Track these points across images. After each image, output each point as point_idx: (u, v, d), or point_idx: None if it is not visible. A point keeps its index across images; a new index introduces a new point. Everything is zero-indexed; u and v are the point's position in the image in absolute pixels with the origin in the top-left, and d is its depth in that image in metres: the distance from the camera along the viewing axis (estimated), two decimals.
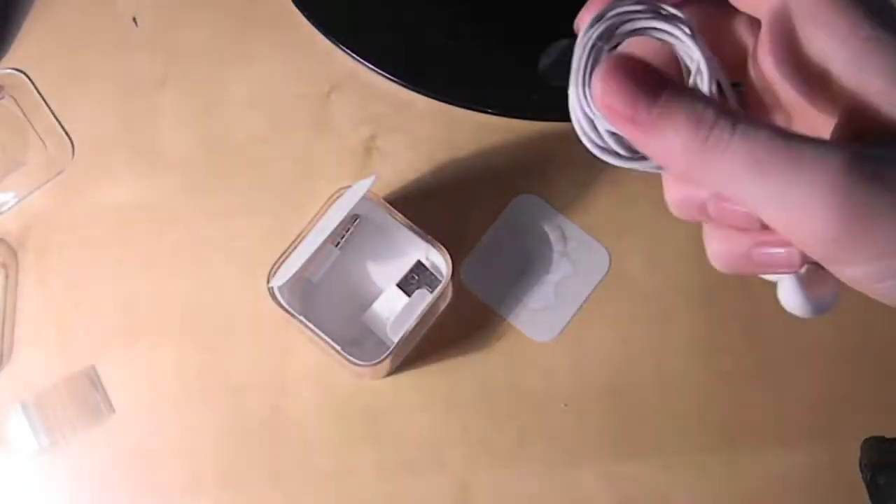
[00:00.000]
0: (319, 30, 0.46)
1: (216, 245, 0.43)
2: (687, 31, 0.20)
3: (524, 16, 0.46)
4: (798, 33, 0.20)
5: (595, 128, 0.21)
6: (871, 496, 0.38)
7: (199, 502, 0.40)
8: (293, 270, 0.37)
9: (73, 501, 0.40)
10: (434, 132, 0.45)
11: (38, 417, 0.41)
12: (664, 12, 0.20)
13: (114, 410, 0.41)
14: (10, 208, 0.44)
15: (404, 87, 0.45)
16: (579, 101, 0.21)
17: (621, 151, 0.21)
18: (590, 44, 0.20)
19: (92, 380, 0.41)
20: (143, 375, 0.41)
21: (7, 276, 0.42)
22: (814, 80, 0.21)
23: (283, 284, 0.38)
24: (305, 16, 0.46)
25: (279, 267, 0.38)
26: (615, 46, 0.20)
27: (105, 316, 0.42)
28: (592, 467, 0.40)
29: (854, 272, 0.19)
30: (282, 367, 0.41)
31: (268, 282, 0.38)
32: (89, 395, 0.41)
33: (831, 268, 0.19)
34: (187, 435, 0.41)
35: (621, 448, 0.41)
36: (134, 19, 0.47)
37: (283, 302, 0.38)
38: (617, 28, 0.20)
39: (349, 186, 0.39)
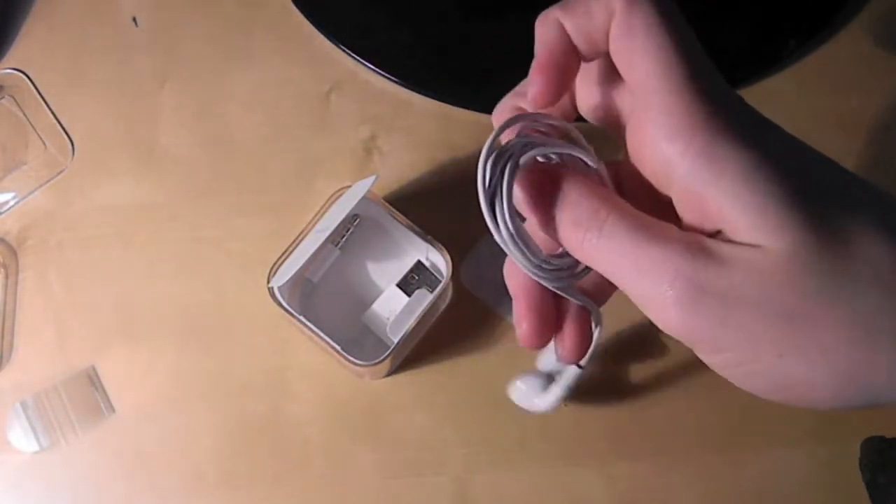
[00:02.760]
0: (319, 30, 0.46)
1: (216, 245, 0.43)
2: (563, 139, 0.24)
3: (524, 15, 0.46)
4: (645, 130, 0.22)
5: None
6: (871, 496, 0.38)
7: (199, 502, 0.40)
8: (293, 270, 0.37)
9: (73, 501, 0.40)
10: (434, 132, 0.45)
11: (38, 417, 0.41)
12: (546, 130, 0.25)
13: (114, 410, 0.41)
14: (10, 208, 0.44)
15: (404, 87, 0.45)
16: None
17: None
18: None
19: (92, 380, 0.41)
20: (143, 375, 0.41)
21: (7, 276, 0.42)
22: (661, 177, 0.22)
23: (284, 284, 0.38)
24: (305, 16, 0.46)
25: (279, 267, 0.38)
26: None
27: (105, 316, 0.42)
28: (592, 467, 0.40)
29: (710, 360, 0.22)
30: (282, 368, 0.41)
31: (268, 282, 0.38)
32: (89, 395, 0.41)
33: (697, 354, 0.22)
34: (187, 435, 0.41)
35: (621, 448, 0.41)
36: (134, 19, 0.47)
37: (283, 302, 0.38)
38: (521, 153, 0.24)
39: (349, 186, 0.39)
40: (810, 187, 0.20)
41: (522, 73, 0.49)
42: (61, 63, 0.46)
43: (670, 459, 0.40)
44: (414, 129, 0.45)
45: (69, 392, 0.41)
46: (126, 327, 0.42)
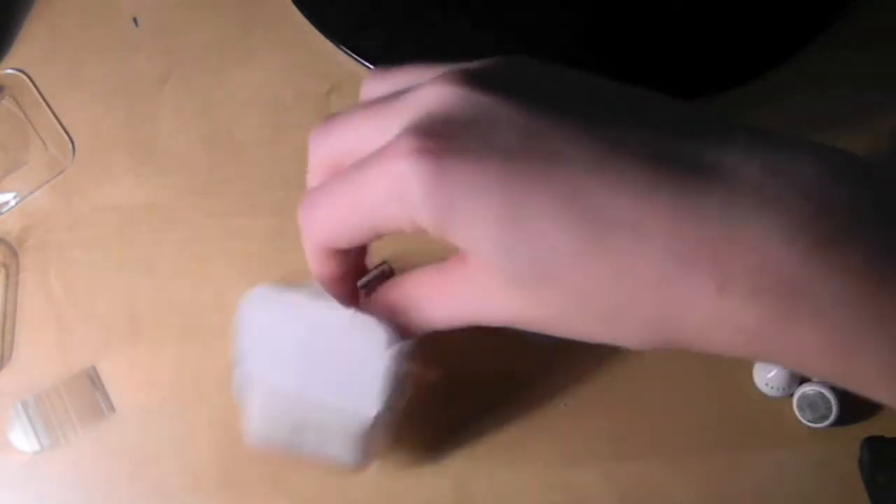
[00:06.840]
0: (319, 30, 0.46)
1: (216, 245, 0.43)
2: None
3: (524, 16, 0.46)
4: None
5: None
6: (871, 496, 0.38)
7: (199, 502, 0.40)
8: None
9: (73, 501, 0.40)
10: None
11: (38, 417, 0.41)
12: None
13: (114, 410, 0.41)
14: (10, 208, 0.44)
15: None
16: None
17: None
18: None
19: (92, 380, 0.41)
20: (143, 375, 0.41)
21: (7, 276, 0.42)
22: None
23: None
24: (305, 16, 0.46)
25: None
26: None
27: (105, 316, 0.42)
28: (592, 467, 0.40)
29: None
30: None
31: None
32: (89, 395, 0.41)
33: None
34: (187, 435, 0.41)
35: (621, 448, 0.41)
36: (134, 19, 0.47)
37: None
38: None
39: None
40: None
41: None
42: (61, 63, 0.46)
43: (670, 459, 0.41)
44: None
45: (70, 392, 0.41)
46: (126, 327, 0.42)
